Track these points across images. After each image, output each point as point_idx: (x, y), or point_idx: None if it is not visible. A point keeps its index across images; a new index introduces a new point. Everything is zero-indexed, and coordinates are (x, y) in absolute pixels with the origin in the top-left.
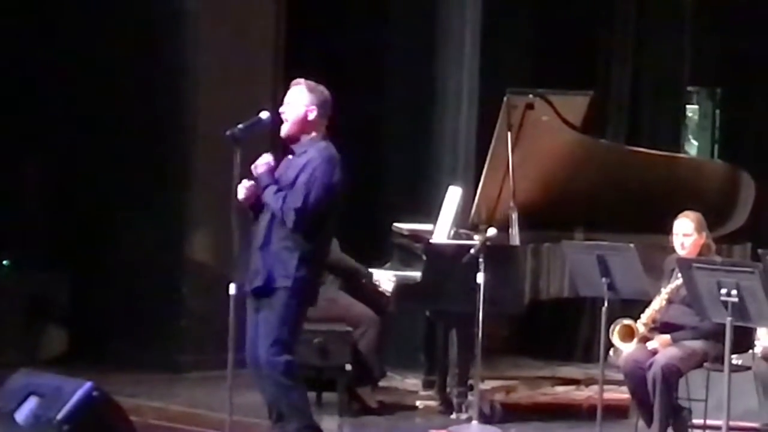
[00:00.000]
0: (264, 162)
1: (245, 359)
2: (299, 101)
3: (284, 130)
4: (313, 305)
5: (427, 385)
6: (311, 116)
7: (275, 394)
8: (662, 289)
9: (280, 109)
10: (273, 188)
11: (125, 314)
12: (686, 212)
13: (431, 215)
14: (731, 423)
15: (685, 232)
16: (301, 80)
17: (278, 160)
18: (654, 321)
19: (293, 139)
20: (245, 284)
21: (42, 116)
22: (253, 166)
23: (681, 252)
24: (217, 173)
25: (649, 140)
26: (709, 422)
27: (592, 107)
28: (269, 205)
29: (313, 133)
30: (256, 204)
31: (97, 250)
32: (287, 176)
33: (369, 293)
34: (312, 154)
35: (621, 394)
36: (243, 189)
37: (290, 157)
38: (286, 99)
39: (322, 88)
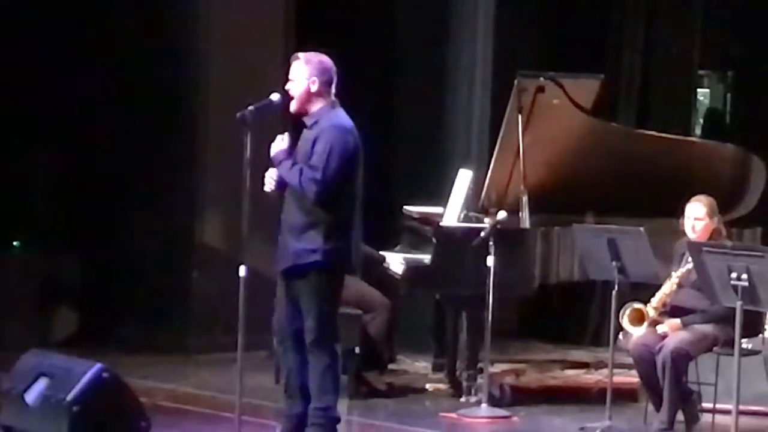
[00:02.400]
0: (279, 142)
1: (255, 341)
2: (300, 76)
3: (292, 106)
4: (351, 273)
5: (437, 368)
6: (314, 88)
7: (310, 370)
8: (673, 273)
9: (286, 87)
10: (288, 163)
11: (135, 296)
12: (699, 196)
13: (441, 198)
14: (741, 407)
15: (697, 216)
16: (300, 54)
17: (293, 139)
18: (664, 305)
19: (302, 113)
20: (274, 264)
21: (53, 99)
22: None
23: (691, 236)
24: (228, 156)
25: (659, 124)
26: (718, 406)
27: (602, 90)
28: (289, 182)
29: (321, 103)
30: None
31: (107, 232)
32: (303, 149)
33: (380, 277)
34: (324, 124)
35: (630, 377)
36: (269, 180)
37: (304, 130)
38: (290, 75)
39: (320, 57)
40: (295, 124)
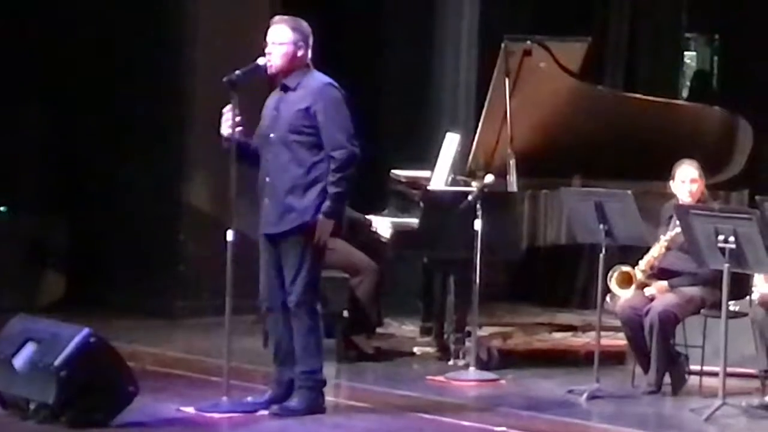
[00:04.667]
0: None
1: (243, 305)
2: (286, 40)
3: (273, 68)
4: (338, 235)
5: (425, 331)
6: (300, 53)
7: (294, 333)
8: (661, 236)
9: (266, 50)
10: (336, 201)
11: (123, 260)
12: (685, 159)
13: (429, 162)
14: (728, 369)
15: (693, 178)
16: (279, 18)
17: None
18: (652, 267)
19: (281, 75)
20: (258, 228)
21: (40, 62)
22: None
23: (687, 199)
24: (215, 119)
25: (646, 87)
26: (706, 368)
27: (589, 54)
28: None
29: (300, 66)
30: (242, 147)
31: (95, 196)
32: (288, 111)
33: (367, 241)
34: (311, 85)
35: (618, 340)
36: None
37: (281, 93)
38: (271, 38)
39: (302, 22)
40: (273, 88)
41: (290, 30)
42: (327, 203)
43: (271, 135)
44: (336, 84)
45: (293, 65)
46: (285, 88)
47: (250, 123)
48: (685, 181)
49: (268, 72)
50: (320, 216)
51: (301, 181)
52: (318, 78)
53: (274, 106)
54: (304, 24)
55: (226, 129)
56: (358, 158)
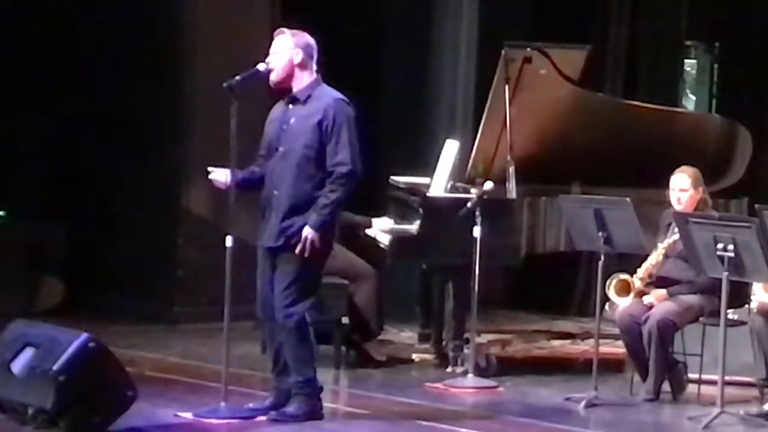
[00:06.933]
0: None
1: (241, 311)
2: (283, 48)
3: (273, 77)
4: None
5: (423, 338)
6: (297, 59)
7: (285, 345)
8: (659, 244)
9: (267, 60)
10: (326, 211)
11: (122, 265)
12: (683, 167)
13: (428, 168)
14: (726, 377)
15: (682, 188)
16: (284, 29)
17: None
18: (650, 275)
19: (284, 85)
20: (258, 238)
21: (40, 68)
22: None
23: (677, 207)
24: (215, 125)
25: (646, 95)
26: (704, 377)
27: (589, 61)
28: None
29: (306, 77)
30: (244, 183)
31: (94, 201)
32: (301, 124)
33: (366, 247)
34: (325, 101)
35: (616, 348)
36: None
37: (290, 105)
38: (272, 50)
39: (304, 33)
40: (272, 95)
41: (290, 37)
42: (313, 215)
43: (280, 149)
44: (347, 100)
45: (292, 73)
46: (294, 101)
47: (249, 130)
48: (675, 189)
49: (269, 80)
50: (306, 228)
51: (308, 196)
52: (329, 92)
53: (282, 119)
54: (306, 35)
55: (223, 179)
56: (357, 177)
